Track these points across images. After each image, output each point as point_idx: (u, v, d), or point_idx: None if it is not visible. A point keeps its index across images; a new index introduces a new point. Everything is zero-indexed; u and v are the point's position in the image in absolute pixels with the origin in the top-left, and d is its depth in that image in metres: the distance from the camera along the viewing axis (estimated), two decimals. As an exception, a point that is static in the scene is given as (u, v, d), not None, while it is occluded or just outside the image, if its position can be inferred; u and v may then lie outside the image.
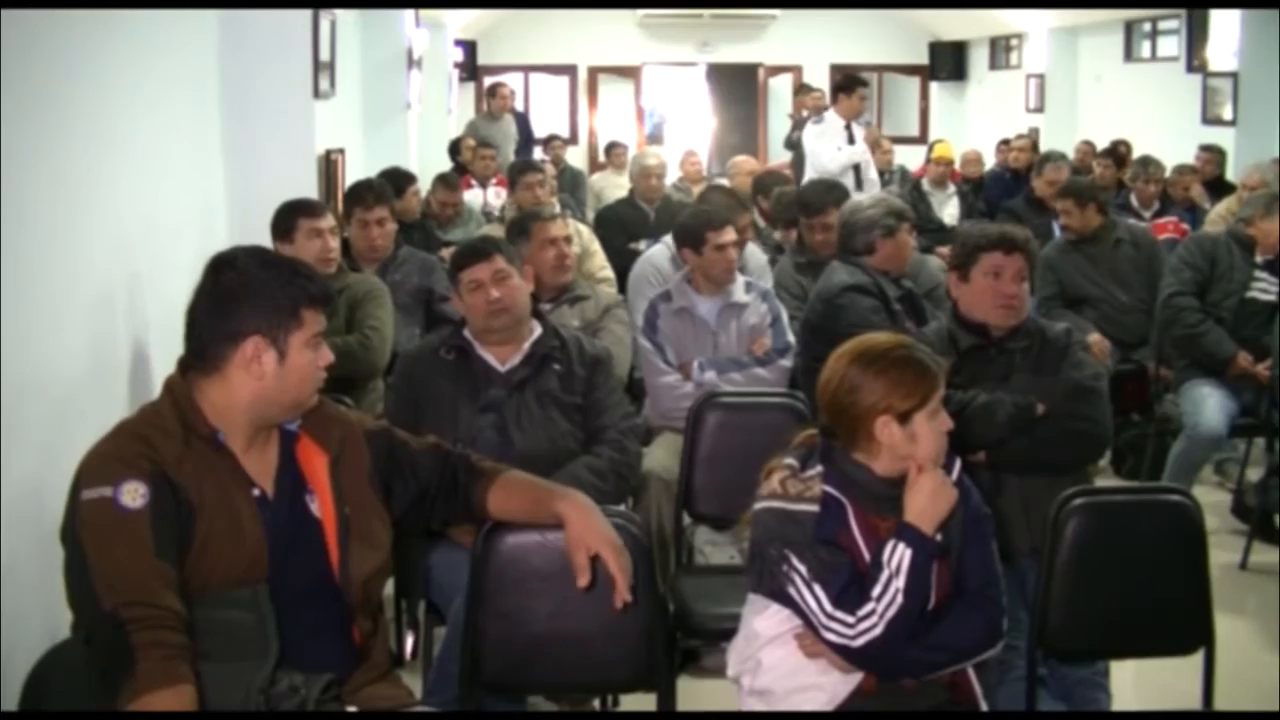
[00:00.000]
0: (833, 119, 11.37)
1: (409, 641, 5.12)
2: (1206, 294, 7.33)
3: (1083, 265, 8.29)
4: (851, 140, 11.15)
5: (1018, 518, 4.45)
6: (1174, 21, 16.24)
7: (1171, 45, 16.56)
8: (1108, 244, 8.39)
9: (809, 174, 10.60)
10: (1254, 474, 7.61)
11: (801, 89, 18.77)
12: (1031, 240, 4.93)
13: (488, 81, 19.86)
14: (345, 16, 11.99)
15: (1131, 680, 4.93)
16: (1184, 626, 4.11)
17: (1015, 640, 4.05)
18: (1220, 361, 7.12)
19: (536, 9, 19.92)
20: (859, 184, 10.46)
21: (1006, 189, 12.93)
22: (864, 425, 3.38)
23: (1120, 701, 4.69)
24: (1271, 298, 7.27)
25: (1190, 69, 15.43)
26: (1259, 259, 7.34)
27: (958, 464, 3.53)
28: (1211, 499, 7.77)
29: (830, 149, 11.06)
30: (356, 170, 11.08)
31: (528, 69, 22.06)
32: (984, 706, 3.54)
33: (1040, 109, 18.98)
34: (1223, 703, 4.19)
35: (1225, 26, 14.39)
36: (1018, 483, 4.58)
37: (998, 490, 4.48)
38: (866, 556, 3.35)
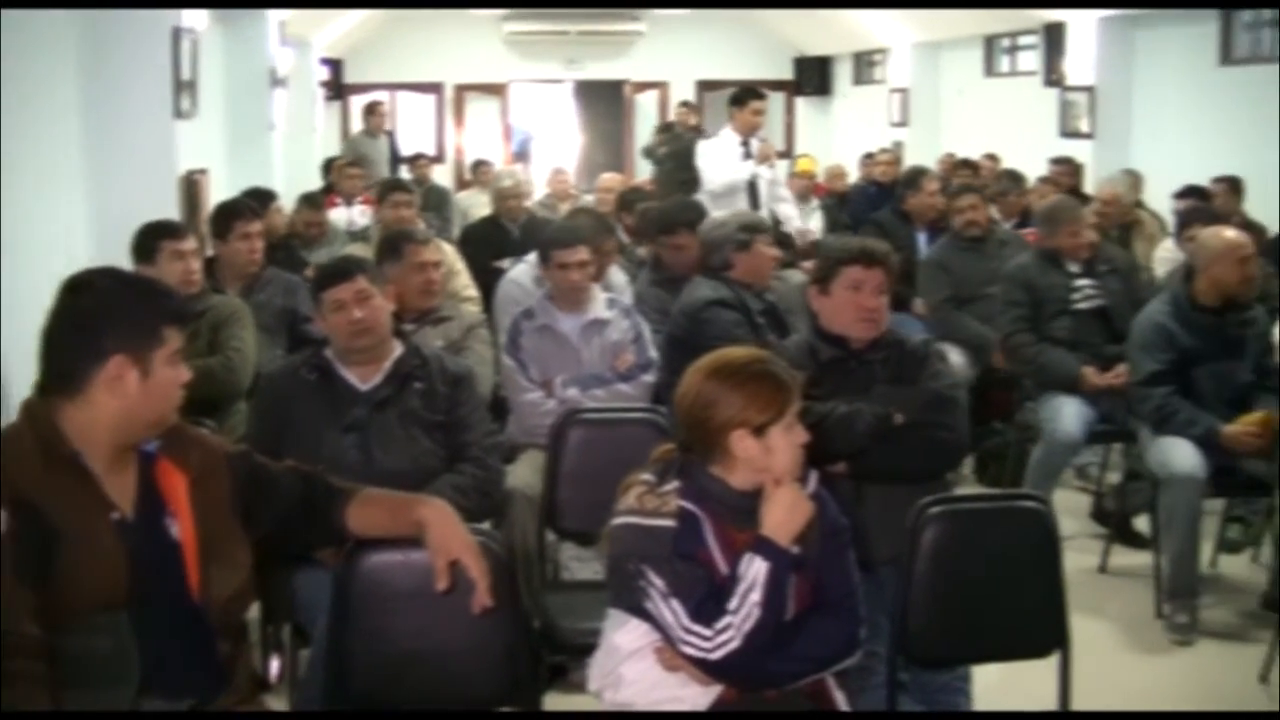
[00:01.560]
0: (728, 135, 10.55)
1: (274, 664, 5.09)
2: (1038, 317, 7.49)
3: (975, 264, 8.43)
4: (749, 157, 10.40)
5: (878, 527, 4.46)
6: (1032, 37, 16.47)
7: (1030, 60, 16.79)
8: (995, 244, 8.52)
9: (703, 196, 9.95)
10: (1114, 478, 7.75)
11: (685, 106, 18.82)
12: (892, 254, 5.00)
13: (354, 100, 19.88)
14: (207, 34, 11.87)
15: (996, 682, 4.98)
16: (1040, 630, 4.19)
17: (876, 647, 4.10)
18: (1071, 380, 7.25)
19: (390, 9, 19.65)
20: (754, 202, 10.07)
21: (871, 202, 12.88)
22: (720, 439, 3.40)
23: (984, 703, 4.75)
24: (1095, 303, 7.44)
25: (1048, 83, 15.66)
26: (1072, 268, 7.51)
27: (814, 476, 3.56)
28: (1072, 504, 7.93)
29: (723, 168, 10.27)
30: (220, 191, 10.94)
31: (394, 87, 21.95)
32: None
33: (904, 123, 19.16)
34: (1081, 702, 4.27)
35: (1082, 41, 14.62)
36: (878, 492, 4.62)
37: (858, 500, 4.53)
38: (724, 570, 3.37)
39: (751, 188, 10.25)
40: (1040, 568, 4.17)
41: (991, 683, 4.86)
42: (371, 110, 16.36)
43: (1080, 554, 7.27)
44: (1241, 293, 6.48)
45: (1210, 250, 6.48)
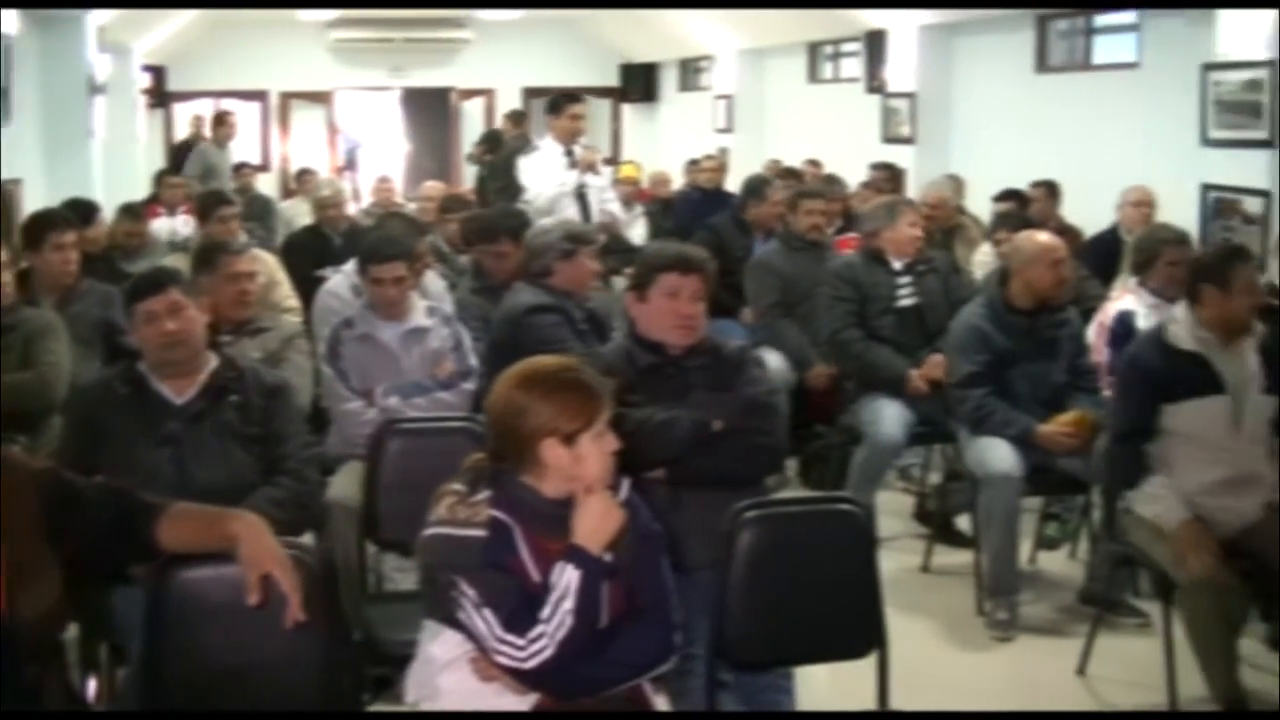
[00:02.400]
0: (550, 145, 10.17)
1: (91, 684, 5.00)
2: (864, 314, 7.58)
3: (806, 267, 8.48)
4: (574, 165, 10.08)
5: (696, 532, 4.40)
6: (855, 44, 16.65)
7: (853, 67, 16.96)
8: (826, 248, 8.60)
9: (530, 212, 9.25)
10: (936, 479, 7.86)
11: (513, 115, 18.78)
12: (709, 261, 5.01)
13: (179, 107, 19.61)
14: (20, 39, 11.64)
15: (821, 679, 5.03)
16: (857, 630, 4.24)
17: (695, 649, 4.12)
18: (897, 379, 7.33)
19: (211, 8, 19.32)
20: (585, 214, 9.79)
21: (695, 209, 12.87)
22: (531, 448, 3.40)
23: (808, 701, 4.77)
24: (913, 301, 7.59)
25: (871, 89, 15.84)
26: (896, 266, 7.62)
27: (626, 484, 3.57)
28: (896, 505, 8.04)
29: (547, 180, 9.89)
30: (36, 201, 10.73)
31: (219, 94, 21.65)
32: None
33: (730, 129, 19.27)
34: (903, 699, 4.33)
35: (903, 48, 14.82)
36: (697, 498, 4.60)
37: (676, 506, 4.51)
38: (537, 578, 3.36)
39: (581, 197, 10.00)
40: (856, 569, 4.21)
41: (816, 680, 4.89)
42: (221, 120, 16.19)
43: (903, 554, 7.39)
44: (1055, 295, 6.61)
45: (1024, 253, 6.60)
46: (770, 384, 5.02)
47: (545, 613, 3.30)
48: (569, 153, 10.03)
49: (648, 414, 4.60)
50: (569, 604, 3.30)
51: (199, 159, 15.11)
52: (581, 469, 3.41)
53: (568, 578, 3.32)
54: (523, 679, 3.34)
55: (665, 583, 3.57)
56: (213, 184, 13.50)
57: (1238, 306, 5.44)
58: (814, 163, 14.80)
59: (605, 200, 10.37)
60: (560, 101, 10.31)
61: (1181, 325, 5.53)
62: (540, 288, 6.37)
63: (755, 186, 10.30)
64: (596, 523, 3.39)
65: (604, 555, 3.38)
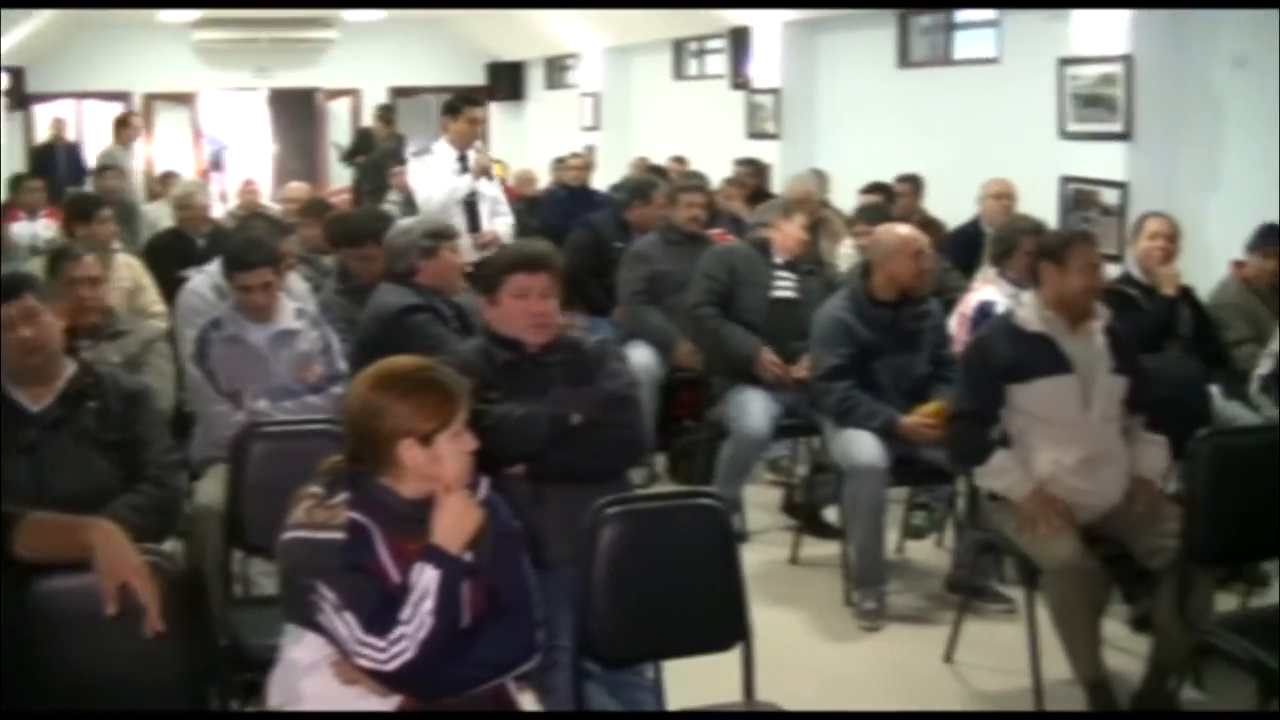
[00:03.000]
0: (443, 149, 9.41)
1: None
2: (734, 301, 7.64)
3: (680, 259, 8.48)
4: (466, 171, 9.29)
5: (560, 528, 4.41)
6: (720, 41, 16.72)
7: (718, 63, 17.05)
8: (705, 242, 8.65)
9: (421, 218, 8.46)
10: (804, 471, 7.92)
11: (384, 114, 18.67)
12: (554, 255, 5.03)
13: (39, 109, 19.33)
14: None
15: (688, 671, 5.02)
16: (722, 624, 4.25)
17: (561, 641, 4.13)
18: (745, 359, 7.43)
19: (71, 8, 19.04)
20: (473, 224, 9.18)
21: (562, 207, 12.89)
22: (388, 449, 3.39)
23: (675, 694, 4.75)
24: (788, 294, 7.66)
25: (735, 86, 15.91)
26: (778, 260, 7.70)
27: (485, 483, 3.56)
28: (765, 498, 8.09)
29: (439, 185, 9.18)
30: (-111, 207, 10.59)
31: (81, 96, 21.41)
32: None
33: (596, 127, 19.30)
34: (769, 692, 4.33)
35: (767, 45, 14.91)
36: (560, 493, 4.60)
37: (539, 502, 4.53)
38: (397, 580, 3.35)
39: (470, 205, 9.29)
40: (718, 563, 4.22)
41: (681, 674, 4.86)
42: (125, 122, 15.89)
43: (772, 546, 7.45)
44: (916, 286, 6.70)
45: (885, 246, 6.67)
46: (630, 377, 5.05)
47: (405, 614, 3.29)
48: (462, 158, 9.36)
49: (507, 410, 4.61)
50: (429, 604, 3.29)
51: (105, 160, 14.88)
52: (439, 469, 3.40)
53: (427, 578, 3.31)
54: (385, 681, 3.33)
55: (526, 581, 3.58)
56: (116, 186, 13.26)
57: (1074, 284, 5.51)
58: (679, 160, 14.83)
59: (498, 212, 9.62)
60: (458, 104, 9.66)
61: (1029, 308, 5.62)
62: (408, 287, 6.36)
63: (641, 188, 10.18)
64: (455, 522, 3.38)
65: (464, 555, 3.38)
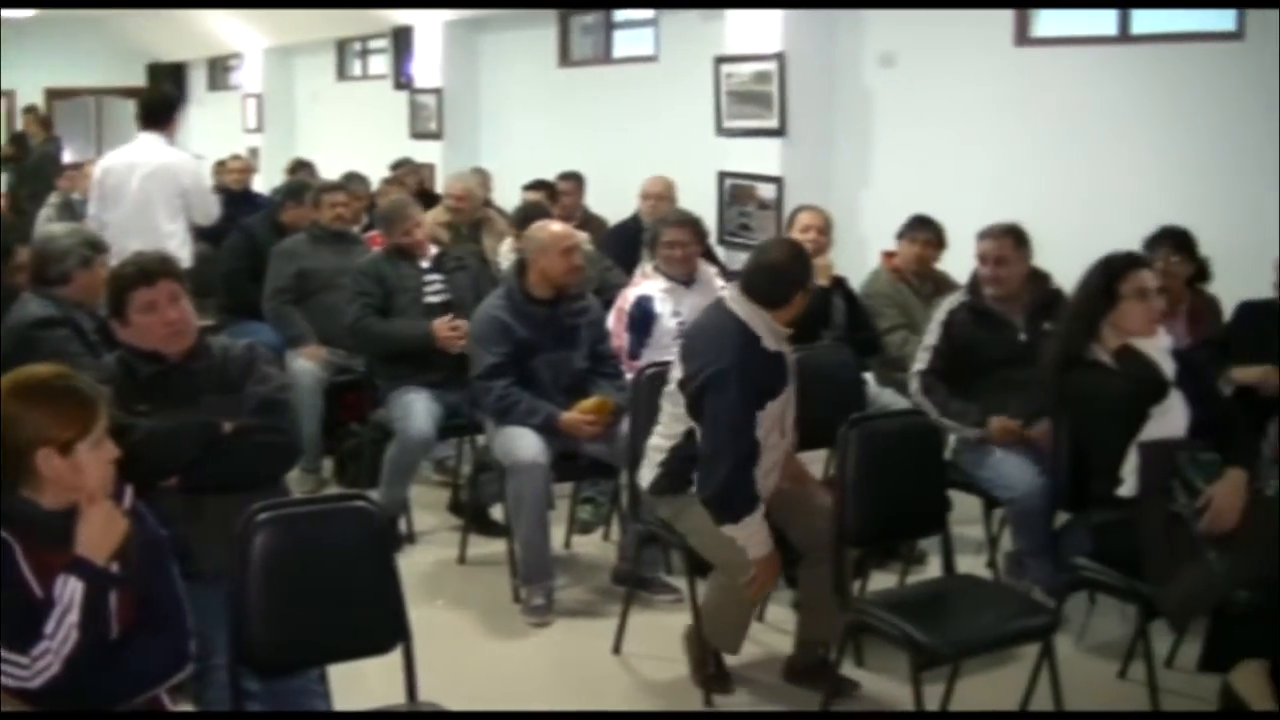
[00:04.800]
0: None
1: None
2: (389, 311, 7.67)
3: (329, 257, 8.62)
4: None
5: (220, 538, 4.26)
6: (383, 41, 16.67)
7: (381, 64, 17.00)
8: (352, 241, 8.63)
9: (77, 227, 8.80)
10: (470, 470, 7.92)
11: (39, 116, 18.10)
12: (169, 260, 4.97)
13: None
14: None
15: (363, 676, 4.97)
16: (380, 626, 4.23)
17: (218, 659, 4.06)
18: (423, 338, 7.51)
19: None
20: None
21: (223, 210, 12.59)
22: (26, 459, 3.32)
23: (343, 700, 4.70)
24: (443, 297, 7.75)
25: (398, 86, 15.88)
26: (423, 264, 7.86)
27: (129, 492, 3.52)
28: (432, 498, 8.08)
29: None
30: None
31: None
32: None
33: (260, 128, 19.07)
34: (437, 692, 4.31)
35: (429, 45, 14.91)
36: (217, 503, 4.49)
37: (194, 512, 4.43)
38: (40, 594, 3.29)
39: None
40: (374, 565, 4.21)
41: (350, 676, 4.80)
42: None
43: (441, 547, 7.45)
44: (570, 282, 6.76)
45: (537, 243, 6.73)
46: (280, 380, 4.97)
47: (49, 628, 3.23)
48: None
49: (154, 424, 4.51)
50: (73, 617, 3.24)
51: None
52: (81, 478, 3.35)
53: (70, 590, 3.26)
54: (29, 698, 3.26)
55: (175, 590, 3.54)
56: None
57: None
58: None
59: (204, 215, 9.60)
60: (174, 103, 9.91)
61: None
62: (49, 298, 6.16)
63: (295, 189, 10.18)
64: (99, 532, 3.33)
65: (109, 565, 3.33)
